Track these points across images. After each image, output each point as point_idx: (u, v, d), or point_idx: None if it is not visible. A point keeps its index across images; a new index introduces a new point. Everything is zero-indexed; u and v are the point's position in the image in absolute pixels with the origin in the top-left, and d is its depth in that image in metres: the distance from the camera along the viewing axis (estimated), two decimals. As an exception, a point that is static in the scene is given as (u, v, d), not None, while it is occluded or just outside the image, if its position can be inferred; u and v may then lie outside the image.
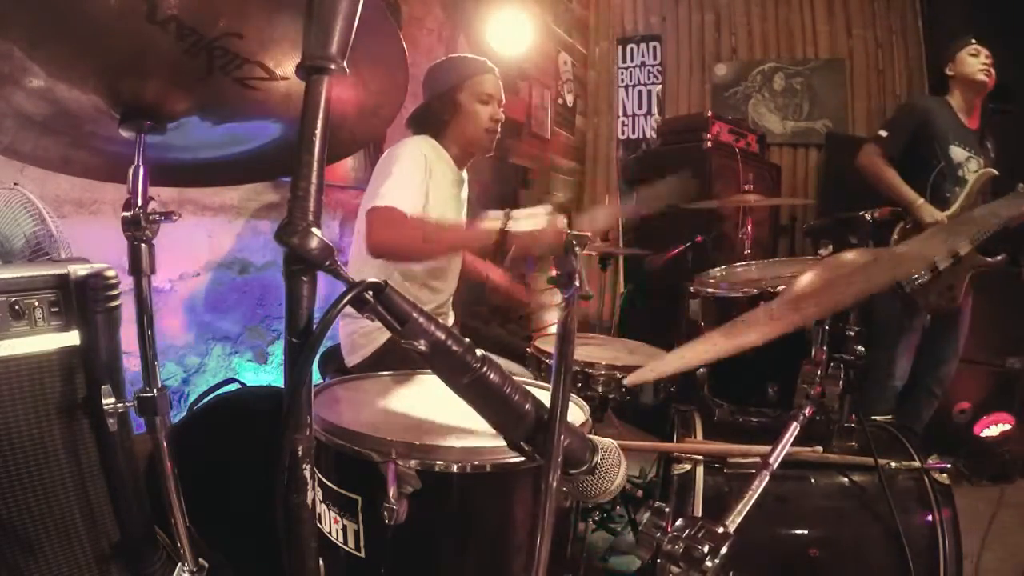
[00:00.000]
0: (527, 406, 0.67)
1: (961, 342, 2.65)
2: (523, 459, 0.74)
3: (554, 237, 1.58)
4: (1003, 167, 2.54)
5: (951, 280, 2.46)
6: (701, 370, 1.80)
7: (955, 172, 2.51)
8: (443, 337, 0.62)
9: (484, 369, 0.64)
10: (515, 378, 0.67)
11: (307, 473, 0.57)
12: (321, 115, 0.55)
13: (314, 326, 0.56)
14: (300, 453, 0.57)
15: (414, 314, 0.60)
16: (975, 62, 2.52)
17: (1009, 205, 1.96)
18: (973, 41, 2.53)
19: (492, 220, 1.60)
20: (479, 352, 0.65)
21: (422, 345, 0.60)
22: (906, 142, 2.54)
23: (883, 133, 2.62)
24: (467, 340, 0.64)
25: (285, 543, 0.59)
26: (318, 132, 0.55)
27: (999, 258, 2.46)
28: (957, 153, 2.52)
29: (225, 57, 0.76)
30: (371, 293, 0.59)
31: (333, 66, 0.56)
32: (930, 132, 2.52)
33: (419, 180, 1.73)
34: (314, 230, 0.54)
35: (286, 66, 0.80)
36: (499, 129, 1.93)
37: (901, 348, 2.57)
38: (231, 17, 0.71)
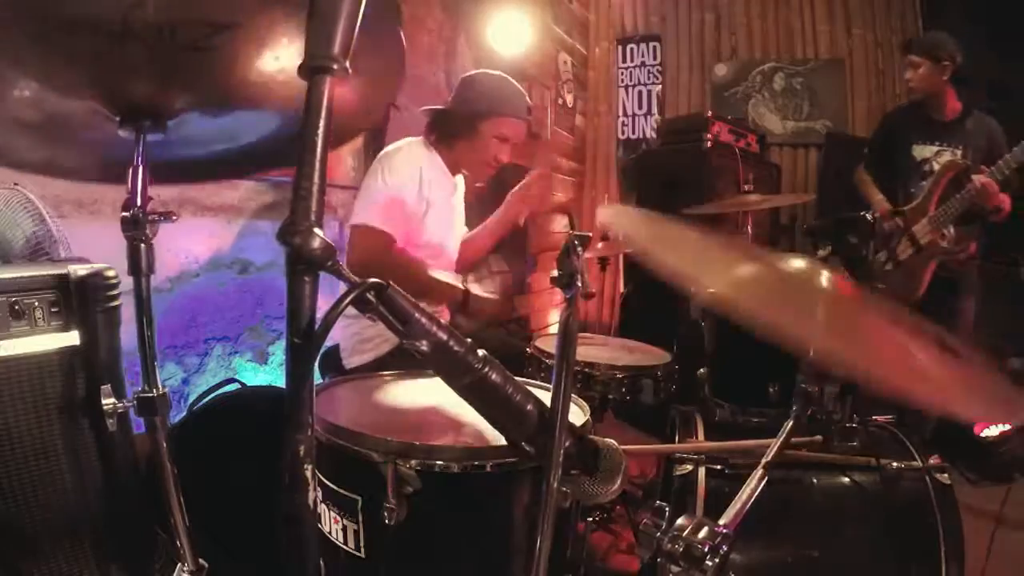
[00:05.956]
0: (529, 406, 0.67)
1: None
2: (524, 459, 0.74)
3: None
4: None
5: (912, 269, 2.55)
6: (702, 371, 1.80)
7: (920, 168, 2.70)
8: (445, 338, 0.62)
9: (486, 370, 0.64)
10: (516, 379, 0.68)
11: (308, 473, 0.57)
12: (324, 115, 0.55)
13: (315, 326, 0.56)
14: (301, 453, 0.57)
15: (416, 314, 0.60)
16: (908, 73, 2.68)
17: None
18: (909, 55, 2.66)
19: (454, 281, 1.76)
20: (481, 352, 0.65)
21: (424, 346, 0.60)
22: (880, 154, 2.83)
23: (866, 151, 2.95)
24: (469, 340, 0.64)
25: (285, 543, 0.59)
26: (320, 132, 0.55)
27: (959, 248, 2.53)
28: (922, 151, 2.70)
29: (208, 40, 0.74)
30: (373, 293, 0.59)
31: (336, 66, 0.56)
32: (894, 139, 2.79)
33: (409, 194, 1.76)
34: (316, 230, 0.54)
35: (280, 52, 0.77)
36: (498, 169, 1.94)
37: None
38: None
